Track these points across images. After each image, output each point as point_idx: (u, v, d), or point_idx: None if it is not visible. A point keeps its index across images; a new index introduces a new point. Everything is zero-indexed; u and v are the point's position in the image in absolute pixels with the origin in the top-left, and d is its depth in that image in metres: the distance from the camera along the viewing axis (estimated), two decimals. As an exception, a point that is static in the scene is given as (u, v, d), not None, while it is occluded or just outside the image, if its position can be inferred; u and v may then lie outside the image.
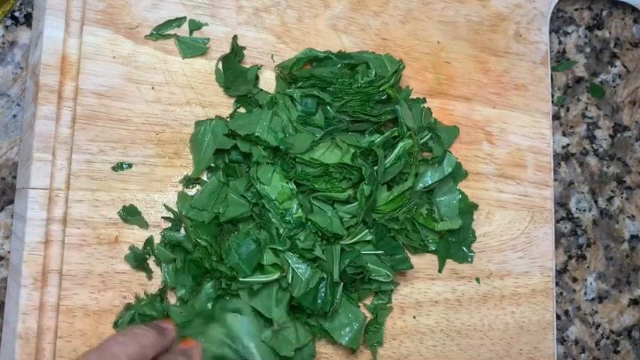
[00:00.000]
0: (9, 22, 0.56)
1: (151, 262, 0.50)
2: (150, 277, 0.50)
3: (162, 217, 0.50)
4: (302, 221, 0.49)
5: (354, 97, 0.53)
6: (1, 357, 0.49)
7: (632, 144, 0.76)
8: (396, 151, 0.53)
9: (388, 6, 0.60)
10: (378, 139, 0.52)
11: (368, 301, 0.55)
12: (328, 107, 0.52)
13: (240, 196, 0.50)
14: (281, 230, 0.49)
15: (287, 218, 0.49)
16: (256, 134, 0.49)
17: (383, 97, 0.53)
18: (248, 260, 0.48)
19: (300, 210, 0.49)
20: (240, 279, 0.48)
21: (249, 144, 0.50)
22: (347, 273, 0.52)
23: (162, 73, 0.52)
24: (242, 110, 0.53)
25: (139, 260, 0.49)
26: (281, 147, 0.50)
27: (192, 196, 0.50)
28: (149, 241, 0.49)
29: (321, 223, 0.50)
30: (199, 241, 0.49)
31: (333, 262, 0.50)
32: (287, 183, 0.49)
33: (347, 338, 0.52)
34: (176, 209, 0.50)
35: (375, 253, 0.53)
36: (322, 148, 0.51)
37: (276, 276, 0.49)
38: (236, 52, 0.53)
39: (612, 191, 0.75)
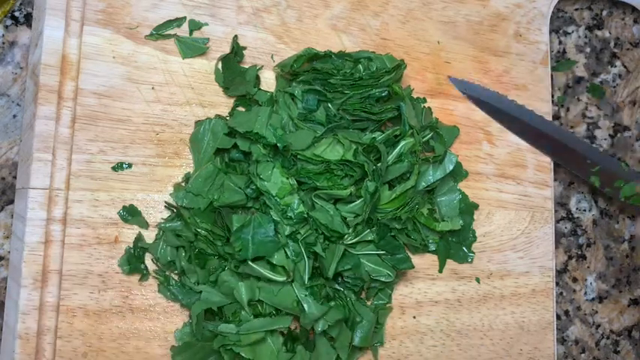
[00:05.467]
0: (9, 22, 0.56)
1: (150, 263, 0.50)
2: (146, 279, 0.49)
3: (165, 205, 0.50)
4: (304, 216, 0.49)
5: (355, 92, 0.52)
6: (1, 357, 0.49)
7: (632, 144, 0.76)
8: (397, 149, 0.53)
9: (388, 6, 0.60)
10: (380, 137, 0.52)
11: (368, 302, 0.55)
12: (329, 104, 0.52)
13: (238, 187, 0.50)
14: (284, 228, 0.49)
15: (289, 214, 0.49)
16: (255, 131, 0.49)
17: (383, 94, 0.53)
18: (260, 244, 0.48)
19: (301, 205, 0.49)
20: (250, 263, 0.48)
21: (249, 142, 0.50)
22: (344, 277, 0.52)
23: (162, 73, 0.52)
24: (242, 109, 0.53)
25: (132, 263, 0.49)
26: (278, 144, 0.50)
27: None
28: (138, 239, 0.49)
29: (322, 219, 0.50)
30: (199, 230, 0.49)
31: (332, 260, 0.50)
32: (287, 178, 0.49)
33: (358, 338, 0.52)
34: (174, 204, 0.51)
35: (377, 253, 0.53)
36: (324, 144, 0.51)
37: (282, 278, 0.49)
38: (236, 52, 0.53)
39: (612, 191, 0.75)
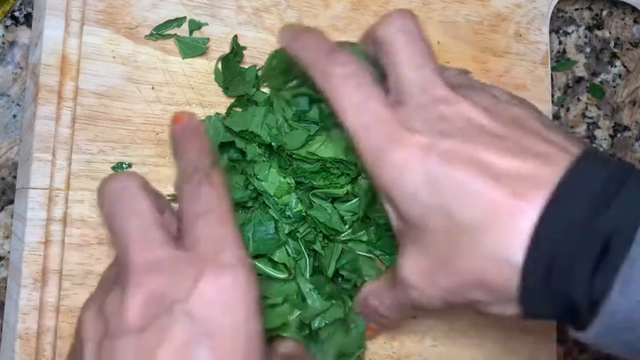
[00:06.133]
0: (9, 22, 0.56)
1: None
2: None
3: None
4: (302, 214, 0.49)
5: None
6: (1, 357, 0.49)
7: (632, 144, 0.76)
8: None
9: (388, 6, 0.60)
10: None
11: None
12: (322, 104, 0.52)
13: (239, 185, 0.50)
14: (284, 226, 0.49)
15: (287, 213, 0.49)
16: (250, 130, 0.49)
17: None
18: (260, 242, 0.48)
19: (299, 204, 0.49)
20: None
21: (245, 142, 0.51)
22: (342, 274, 0.52)
23: (162, 73, 0.52)
24: (239, 110, 0.53)
25: None
26: (273, 143, 0.50)
27: None
28: None
29: (320, 218, 0.50)
30: None
31: (331, 258, 0.50)
32: (284, 178, 0.49)
33: (348, 344, 0.52)
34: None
35: (369, 256, 0.53)
36: (318, 142, 0.51)
37: (284, 275, 0.49)
38: (236, 52, 0.53)
39: (612, 191, 0.75)
